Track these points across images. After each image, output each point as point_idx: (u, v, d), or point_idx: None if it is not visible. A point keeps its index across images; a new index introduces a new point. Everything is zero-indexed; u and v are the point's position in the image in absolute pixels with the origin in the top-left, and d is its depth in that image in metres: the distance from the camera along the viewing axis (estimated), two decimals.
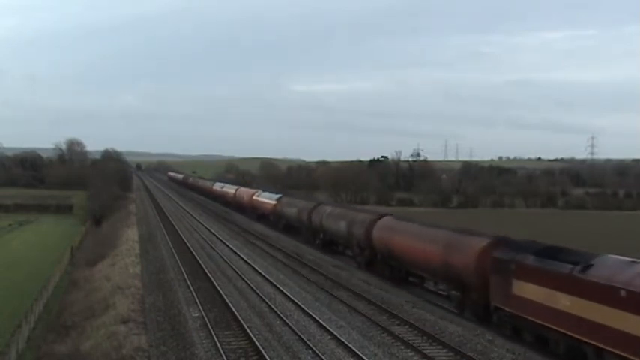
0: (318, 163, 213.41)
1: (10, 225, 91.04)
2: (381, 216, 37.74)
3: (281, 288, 32.00)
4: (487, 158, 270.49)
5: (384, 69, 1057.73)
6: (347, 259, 42.29)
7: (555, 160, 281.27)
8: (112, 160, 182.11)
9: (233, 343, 22.64)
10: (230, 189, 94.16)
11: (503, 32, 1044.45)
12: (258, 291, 31.44)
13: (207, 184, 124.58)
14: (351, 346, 21.71)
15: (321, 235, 46.87)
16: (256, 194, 73.80)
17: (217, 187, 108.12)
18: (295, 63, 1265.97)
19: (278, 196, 65.07)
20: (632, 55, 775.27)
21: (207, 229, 62.79)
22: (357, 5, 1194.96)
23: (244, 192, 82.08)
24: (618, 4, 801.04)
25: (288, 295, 30.32)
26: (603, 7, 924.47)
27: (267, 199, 67.44)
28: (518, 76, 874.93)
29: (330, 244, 45.86)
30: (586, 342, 18.98)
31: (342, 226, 41.45)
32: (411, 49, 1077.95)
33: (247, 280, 34.35)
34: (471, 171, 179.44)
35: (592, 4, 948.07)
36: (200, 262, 40.31)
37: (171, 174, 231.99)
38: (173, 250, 46.45)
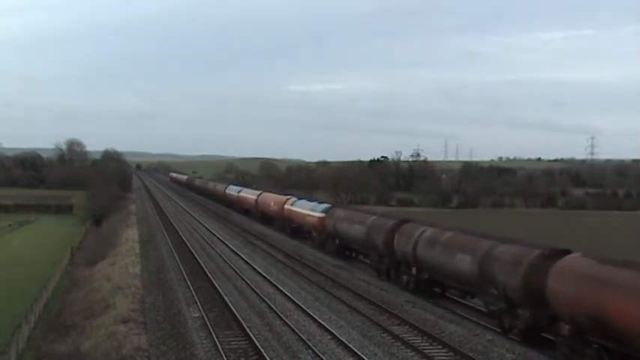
0: (318, 163, 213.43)
1: (10, 225, 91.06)
2: (556, 253, 21.60)
3: (281, 288, 31.99)
4: (487, 158, 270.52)
5: (383, 69, 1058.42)
6: (470, 313, 27.75)
7: (555, 160, 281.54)
8: (112, 160, 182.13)
9: (233, 343, 22.64)
10: (250, 194, 77.11)
11: (502, 32, 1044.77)
12: (258, 291, 31.44)
13: (218, 187, 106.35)
14: (351, 346, 21.70)
15: (414, 271, 30.86)
16: (289, 202, 57.69)
17: (232, 191, 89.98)
18: (295, 63, 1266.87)
19: (325, 206, 48.54)
20: (631, 55, 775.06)
21: (208, 229, 62.77)
22: (357, 6, 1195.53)
23: (272, 199, 65.19)
24: (617, 4, 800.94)
25: (288, 295, 30.31)
26: (602, 7, 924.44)
27: (308, 210, 50.54)
28: (517, 76, 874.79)
29: (433, 284, 30.19)
30: None
31: (463, 262, 25.90)
32: (410, 49, 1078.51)
33: (247, 280, 34.34)
34: (471, 171, 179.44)
35: (590, 4, 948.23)
36: (200, 262, 40.30)
37: (174, 174, 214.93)
38: (173, 250, 46.44)
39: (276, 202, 61.99)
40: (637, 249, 53.79)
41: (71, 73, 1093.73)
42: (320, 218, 46.72)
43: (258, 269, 37.94)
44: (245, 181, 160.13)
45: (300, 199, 57.87)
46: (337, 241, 43.26)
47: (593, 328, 18.70)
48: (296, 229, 54.23)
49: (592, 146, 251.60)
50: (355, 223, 39.47)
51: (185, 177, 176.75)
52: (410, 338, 23.14)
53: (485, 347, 22.12)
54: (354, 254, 42.14)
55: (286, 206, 57.43)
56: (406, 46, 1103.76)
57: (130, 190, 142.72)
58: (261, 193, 72.42)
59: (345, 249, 42.91)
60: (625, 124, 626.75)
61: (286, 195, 63.23)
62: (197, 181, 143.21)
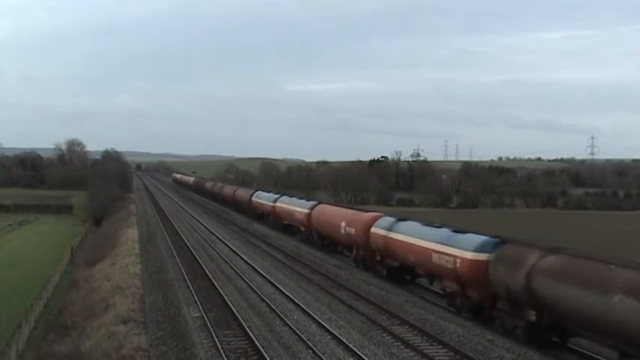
0: (318, 163, 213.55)
1: (10, 225, 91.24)
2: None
3: (281, 288, 31.97)
4: (487, 158, 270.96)
5: (383, 69, 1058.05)
6: None
7: (555, 160, 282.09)
8: (112, 160, 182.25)
9: (233, 343, 22.64)
10: (297, 207, 53.50)
11: (501, 32, 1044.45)
12: (258, 291, 31.43)
13: (240, 192, 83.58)
14: (351, 346, 21.70)
15: None
16: (382, 224, 34.71)
17: (262, 199, 67.82)
18: (295, 63, 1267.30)
19: (487, 240, 26.05)
20: (630, 55, 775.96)
21: (207, 228, 62.77)
22: (357, 6, 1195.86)
23: (342, 217, 41.55)
24: (617, 4, 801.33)
25: (289, 295, 30.29)
26: (602, 7, 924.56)
27: (439, 243, 28.09)
28: (517, 76, 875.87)
29: None
30: None
31: None
32: (410, 50, 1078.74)
33: (247, 280, 34.33)
34: (470, 171, 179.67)
35: (590, 4, 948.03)
36: (200, 261, 40.30)
37: (178, 175, 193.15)
38: (173, 250, 46.43)
39: (353, 221, 39.00)
40: (637, 249, 53.82)
41: (71, 73, 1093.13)
42: (476, 262, 25.10)
43: (259, 269, 37.91)
44: (244, 181, 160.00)
45: (401, 219, 34.13)
46: (533, 316, 22.20)
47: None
48: (398, 269, 33.57)
49: (592, 146, 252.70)
50: (618, 293, 18.10)
51: (192, 179, 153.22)
52: (410, 338, 23.13)
53: (485, 347, 22.12)
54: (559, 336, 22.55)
55: (378, 231, 34.51)
56: (406, 46, 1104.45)
57: (129, 190, 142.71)
58: (316, 206, 49.52)
59: (559, 331, 22.18)
60: (625, 124, 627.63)
61: (367, 211, 41.08)
62: (207, 185, 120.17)
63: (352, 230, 38.91)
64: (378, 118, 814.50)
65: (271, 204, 63.09)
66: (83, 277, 42.58)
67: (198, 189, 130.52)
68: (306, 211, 50.29)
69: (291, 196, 62.10)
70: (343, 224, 40.61)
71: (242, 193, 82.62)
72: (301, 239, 51.70)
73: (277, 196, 64.46)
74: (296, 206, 54.26)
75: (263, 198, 68.54)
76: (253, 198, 72.86)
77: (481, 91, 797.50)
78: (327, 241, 45.92)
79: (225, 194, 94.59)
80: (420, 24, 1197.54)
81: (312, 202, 52.06)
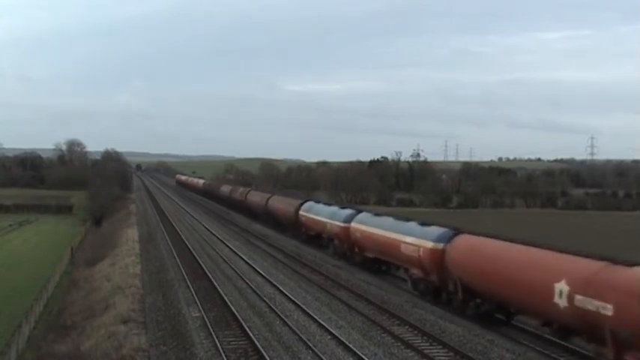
0: (318, 163, 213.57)
1: (10, 225, 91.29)
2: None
3: (281, 288, 31.96)
4: (487, 158, 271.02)
5: (383, 69, 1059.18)
6: None
7: (555, 161, 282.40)
8: (112, 160, 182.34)
9: (233, 343, 22.64)
10: (404, 237, 30.35)
11: (501, 32, 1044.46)
12: (258, 291, 31.43)
13: (278, 203, 60.59)
14: (351, 346, 21.70)
15: None
16: None
17: (325, 218, 43.87)
18: (295, 63, 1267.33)
19: None
20: (630, 55, 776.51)
21: (207, 229, 62.77)
22: (357, 5, 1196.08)
23: (560, 272, 19.30)
24: (617, 4, 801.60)
25: (288, 295, 30.29)
26: (601, 7, 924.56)
27: None
28: (516, 76, 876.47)
29: None
30: None
31: None
32: (409, 50, 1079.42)
33: (247, 281, 34.34)
34: (470, 171, 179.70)
35: (590, 4, 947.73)
36: (200, 262, 40.31)
37: (182, 177, 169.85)
38: (173, 251, 46.43)
39: (600, 287, 17.66)
40: (637, 249, 53.78)
41: (71, 73, 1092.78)
42: None
43: (259, 269, 37.90)
44: (245, 181, 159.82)
45: None
46: None
47: None
48: None
49: (592, 146, 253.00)
50: None
51: (202, 181, 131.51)
52: (410, 338, 23.12)
53: (485, 347, 22.10)
54: None
55: None
56: (406, 46, 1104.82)
57: (130, 190, 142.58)
58: (454, 237, 26.94)
59: None
60: (625, 124, 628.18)
61: (629, 264, 17.77)
62: (225, 189, 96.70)
63: (600, 305, 17.57)
64: (378, 118, 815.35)
65: (340, 224, 40.13)
66: (83, 277, 42.59)
67: (210, 194, 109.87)
68: (432, 245, 27.77)
69: (377, 215, 37.67)
70: (563, 288, 19.15)
71: (280, 204, 59.46)
72: (416, 290, 30.16)
73: (351, 212, 40.39)
74: (400, 234, 31.16)
75: (321, 214, 45.51)
76: (302, 212, 50.55)
77: (481, 91, 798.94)
78: (486, 302, 24.73)
79: (252, 203, 72.31)
80: (420, 24, 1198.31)
81: (441, 230, 28.37)
